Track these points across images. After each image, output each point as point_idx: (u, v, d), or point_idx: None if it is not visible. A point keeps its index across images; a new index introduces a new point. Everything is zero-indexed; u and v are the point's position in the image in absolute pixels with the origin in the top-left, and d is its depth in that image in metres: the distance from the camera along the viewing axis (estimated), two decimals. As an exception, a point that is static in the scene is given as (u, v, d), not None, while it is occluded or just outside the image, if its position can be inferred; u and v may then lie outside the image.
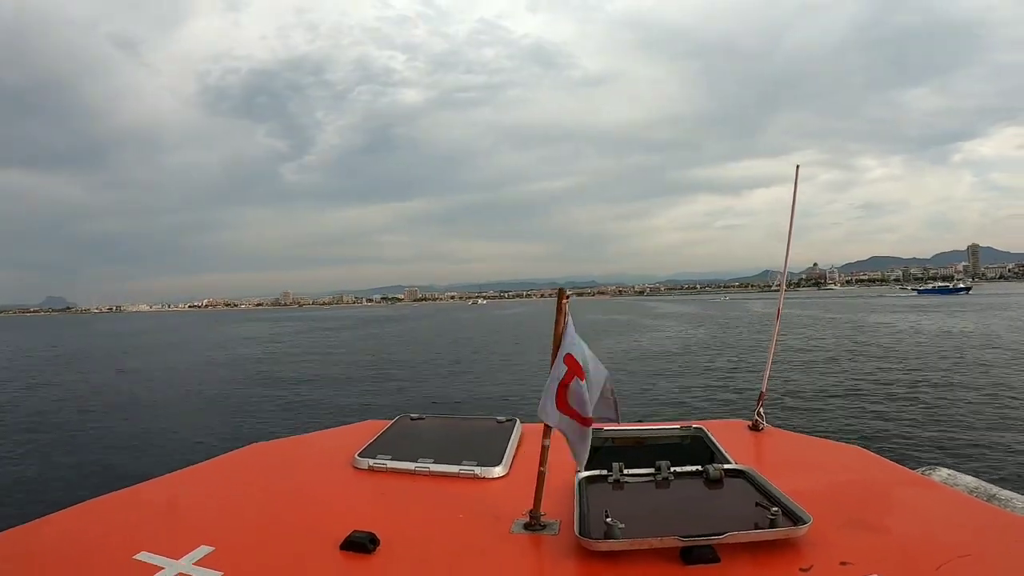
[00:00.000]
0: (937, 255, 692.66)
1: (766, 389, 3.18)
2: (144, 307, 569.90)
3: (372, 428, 3.11)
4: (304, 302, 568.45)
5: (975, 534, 1.85)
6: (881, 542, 1.75)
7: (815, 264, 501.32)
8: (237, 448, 2.91)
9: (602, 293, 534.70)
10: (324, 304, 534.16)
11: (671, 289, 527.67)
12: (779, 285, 3.73)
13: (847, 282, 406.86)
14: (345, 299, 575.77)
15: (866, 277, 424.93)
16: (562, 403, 1.93)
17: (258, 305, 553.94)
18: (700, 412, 14.06)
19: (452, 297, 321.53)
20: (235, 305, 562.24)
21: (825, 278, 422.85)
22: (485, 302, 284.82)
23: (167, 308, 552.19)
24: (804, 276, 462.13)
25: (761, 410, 3.13)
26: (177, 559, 1.68)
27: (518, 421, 3.07)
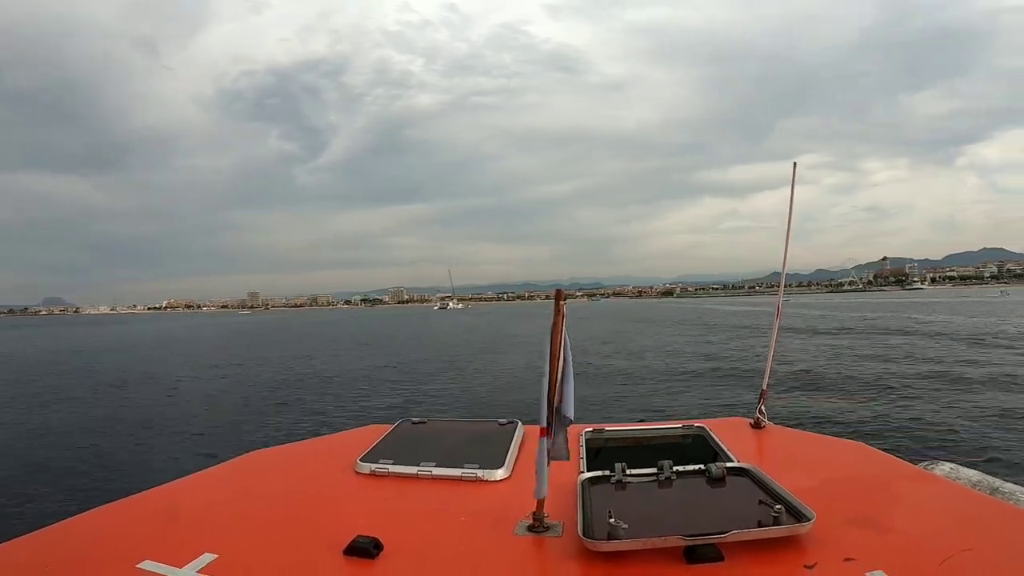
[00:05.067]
0: (948, 256, 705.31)
1: (767, 387, 3.33)
2: (104, 308, 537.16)
3: (374, 433, 3.25)
4: (277, 303, 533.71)
5: (979, 528, 1.90)
6: (885, 537, 1.81)
7: (885, 258, 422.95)
8: (239, 455, 3.05)
9: (618, 294, 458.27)
10: (297, 306, 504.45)
11: (700, 289, 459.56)
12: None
13: (933, 280, 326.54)
14: (320, 301, 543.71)
15: (956, 274, 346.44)
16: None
17: (223, 307, 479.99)
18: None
19: (444, 298, 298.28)
20: (197, 307, 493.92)
21: (907, 276, 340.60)
22: (460, 305, 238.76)
23: (132, 309, 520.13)
24: (873, 275, 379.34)
25: (763, 408, 3.25)
26: (181, 567, 1.71)
27: (519, 423, 3.22)
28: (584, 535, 1.75)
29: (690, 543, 1.68)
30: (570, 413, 1.98)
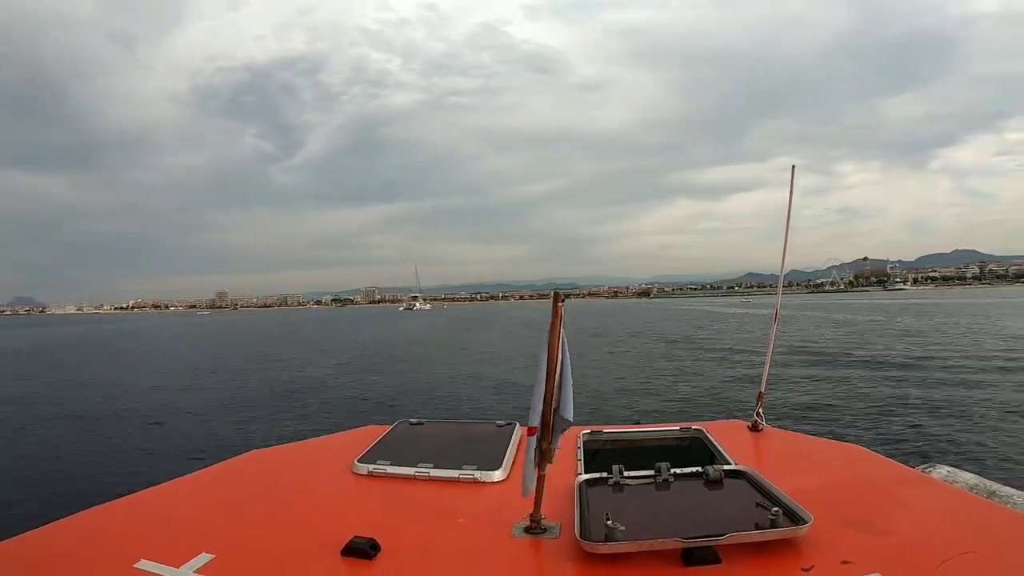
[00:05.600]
0: (921, 257, 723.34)
1: (765, 389, 3.35)
2: (71, 308, 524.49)
3: (372, 433, 3.26)
4: (248, 303, 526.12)
5: (976, 531, 1.91)
6: (882, 540, 1.81)
7: (865, 258, 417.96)
8: (236, 455, 3.06)
9: (594, 295, 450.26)
10: (267, 306, 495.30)
11: (677, 290, 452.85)
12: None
13: (915, 281, 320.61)
14: (291, 301, 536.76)
15: (938, 275, 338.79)
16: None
17: (191, 307, 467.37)
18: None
19: (411, 298, 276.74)
20: (165, 307, 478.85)
21: (889, 276, 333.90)
22: (428, 306, 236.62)
23: (98, 309, 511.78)
24: (854, 275, 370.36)
25: (760, 410, 3.27)
26: (178, 567, 1.71)
27: (517, 425, 3.21)
28: (581, 537, 1.76)
29: (687, 545, 1.68)
30: (569, 415, 1.98)
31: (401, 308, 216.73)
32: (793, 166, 3.37)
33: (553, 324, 1.91)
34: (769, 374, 3.46)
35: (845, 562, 1.65)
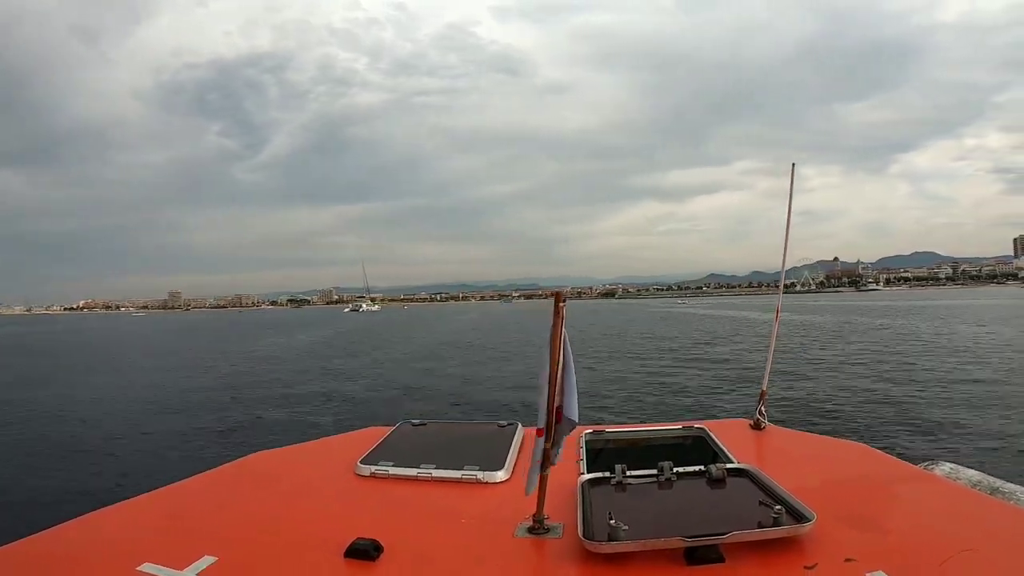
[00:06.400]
0: (881, 259, 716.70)
1: (767, 388, 3.34)
2: (19, 309, 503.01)
3: (374, 435, 3.24)
4: (200, 304, 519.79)
5: (979, 528, 1.90)
6: (885, 538, 1.81)
7: (836, 259, 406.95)
8: (238, 457, 3.03)
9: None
10: (220, 307, 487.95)
11: (643, 290, 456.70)
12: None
13: (887, 282, 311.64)
14: (245, 301, 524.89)
15: (911, 276, 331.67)
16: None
17: (144, 307, 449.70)
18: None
19: (361, 298, 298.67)
20: (116, 307, 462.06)
21: (861, 277, 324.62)
22: (376, 307, 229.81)
23: (47, 310, 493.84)
24: (825, 276, 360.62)
25: (763, 409, 3.25)
26: (181, 570, 1.70)
27: (519, 425, 3.20)
28: (584, 537, 1.75)
29: (691, 544, 1.67)
30: (574, 416, 1.97)
31: (346, 310, 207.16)
32: (793, 164, 3.34)
33: (555, 324, 1.90)
34: (771, 373, 3.44)
35: (848, 560, 1.64)
